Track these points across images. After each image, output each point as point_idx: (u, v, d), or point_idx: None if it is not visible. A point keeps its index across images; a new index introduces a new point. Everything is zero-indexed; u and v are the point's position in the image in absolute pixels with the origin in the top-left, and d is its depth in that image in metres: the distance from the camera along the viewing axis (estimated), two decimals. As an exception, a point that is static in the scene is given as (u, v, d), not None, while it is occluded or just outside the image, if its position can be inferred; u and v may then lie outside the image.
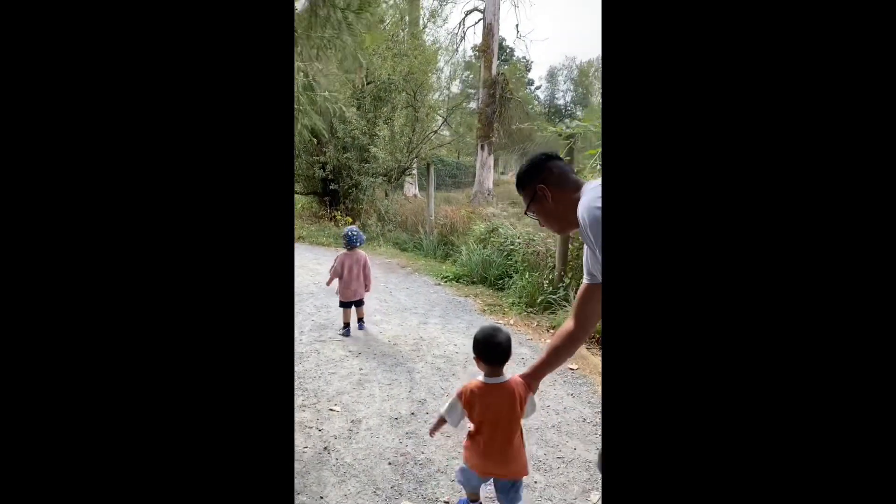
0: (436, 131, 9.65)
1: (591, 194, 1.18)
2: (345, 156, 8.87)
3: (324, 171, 9.07)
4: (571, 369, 2.93)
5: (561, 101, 43.35)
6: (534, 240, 5.10)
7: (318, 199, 9.72)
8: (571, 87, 43.72)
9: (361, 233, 3.63)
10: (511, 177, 25.88)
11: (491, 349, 1.46)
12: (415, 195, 12.86)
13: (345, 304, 3.57)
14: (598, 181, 1.24)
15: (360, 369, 2.93)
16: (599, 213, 1.12)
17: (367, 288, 3.62)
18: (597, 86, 42.80)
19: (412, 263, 6.24)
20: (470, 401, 1.48)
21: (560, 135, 4.56)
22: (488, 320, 3.96)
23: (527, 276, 4.52)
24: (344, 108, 7.12)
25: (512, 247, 5.31)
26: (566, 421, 2.35)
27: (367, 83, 8.84)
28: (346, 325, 3.61)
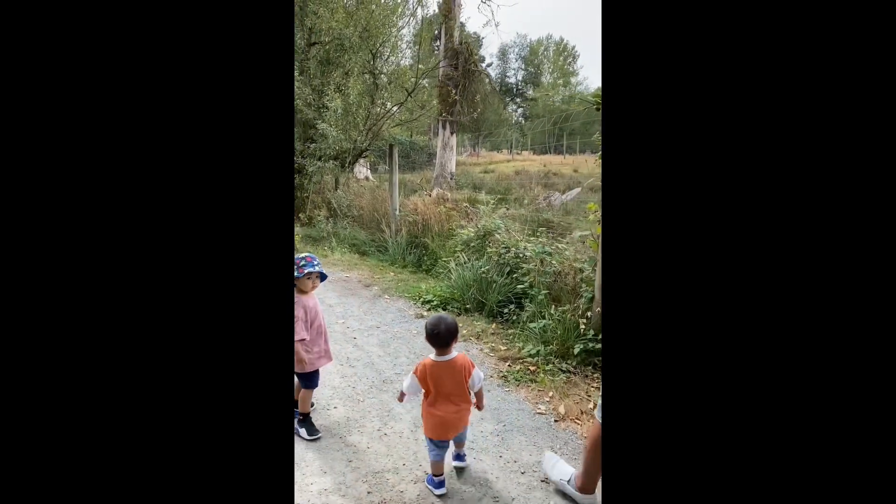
0: (402, 103, 7.76)
1: None
2: (284, 133, 6.99)
3: (257, 151, 7.16)
4: None
5: (512, 80, 42.25)
6: (550, 254, 3.75)
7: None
8: (522, 66, 42.64)
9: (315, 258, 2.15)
10: (468, 157, 24.18)
11: (435, 336, 1.76)
12: (367, 178, 11.17)
13: (308, 381, 2.13)
14: None
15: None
16: None
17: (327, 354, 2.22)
18: (546, 65, 41.94)
19: (378, 278, 4.73)
20: (423, 375, 1.77)
21: (598, 108, 3.18)
22: (519, 398, 2.57)
23: (552, 312, 3.17)
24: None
25: (518, 260, 3.94)
26: None
27: (311, 44, 6.97)
28: (306, 416, 2.16)
